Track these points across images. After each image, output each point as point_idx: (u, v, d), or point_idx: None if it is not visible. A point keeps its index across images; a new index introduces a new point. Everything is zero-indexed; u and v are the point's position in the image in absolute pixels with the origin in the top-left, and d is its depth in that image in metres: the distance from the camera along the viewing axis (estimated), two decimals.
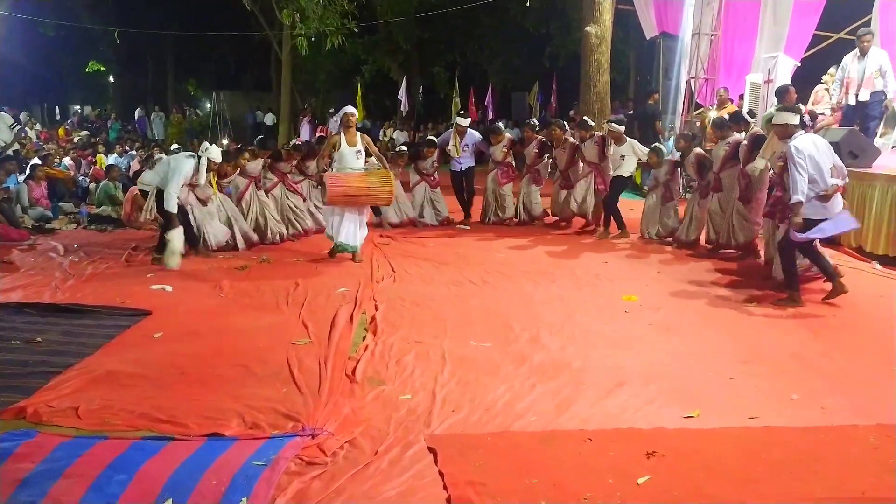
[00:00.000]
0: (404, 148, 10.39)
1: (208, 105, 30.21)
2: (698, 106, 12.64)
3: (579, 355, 4.57)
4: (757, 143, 7.13)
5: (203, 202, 7.81)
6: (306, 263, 7.33)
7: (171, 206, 6.94)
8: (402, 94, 23.04)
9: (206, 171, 7.28)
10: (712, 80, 12.52)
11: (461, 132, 9.77)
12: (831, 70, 9.42)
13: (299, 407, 3.75)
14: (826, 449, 3.32)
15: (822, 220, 5.51)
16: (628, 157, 8.63)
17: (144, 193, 7.37)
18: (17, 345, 4.71)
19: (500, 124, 10.81)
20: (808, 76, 10.86)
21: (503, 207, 9.83)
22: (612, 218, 8.86)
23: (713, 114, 11.05)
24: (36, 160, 11.86)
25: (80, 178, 13.11)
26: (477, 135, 10.12)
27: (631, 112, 15.49)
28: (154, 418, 3.59)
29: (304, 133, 20.56)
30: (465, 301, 5.92)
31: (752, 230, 7.46)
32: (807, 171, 5.42)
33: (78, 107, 35.75)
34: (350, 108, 7.37)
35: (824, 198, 5.49)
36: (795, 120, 5.84)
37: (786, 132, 5.83)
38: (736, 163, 7.49)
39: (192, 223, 7.59)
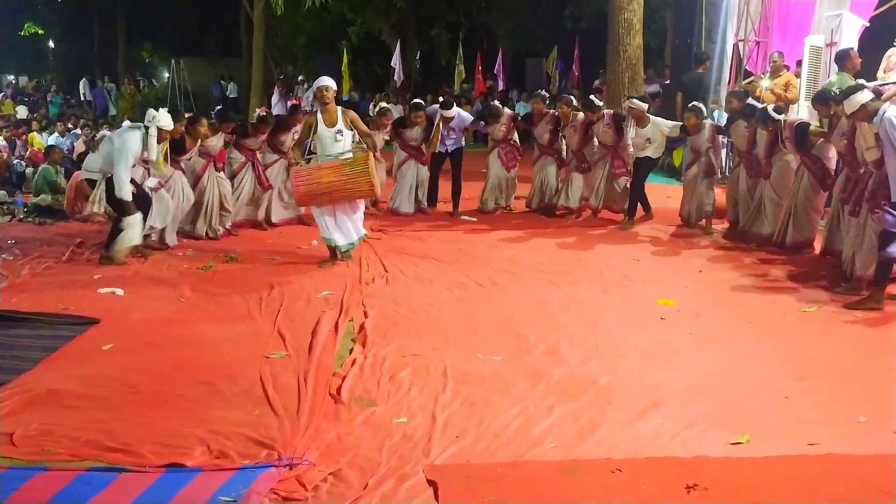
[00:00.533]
0: (385, 104, 10.37)
1: (166, 74, 30.24)
2: (748, 74, 12.60)
3: (606, 370, 4.58)
4: (801, 132, 7.31)
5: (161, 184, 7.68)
6: (282, 262, 7.34)
7: (125, 193, 6.91)
8: (395, 61, 23.01)
9: (157, 143, 7.15)
10: (764, 42, 12.46)
11: (447, 121, 9.68)
12: None
13: (274, 432, 3.75)
14: None
15: None
16: (654, 139, 8.81)
17: (91, 182, 7.29)
18: None
19: (497, 104, 10.71)
20: (877, 38, 10.80)
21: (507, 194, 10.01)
22: (637, 204, 9.06)
23: (766, 83, 11.01)
24: None
25: (15, 161, 13.12)
26: (466, 115, 10.14)
27: (668, 81, 15.46)
28: (103, 446, 3.59)
29: (276, 107, 20.58)
30: (471, 306, 5.92)
31: (814, 225, 7.56)
32: None
33: (12, 77, 35.74)
34: (324, 81, 7.12)
35: None
36: (868, 95, 5.95)
37: (867, 112, 5.92)
38: (778, 149, 7.70)
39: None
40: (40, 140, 15.20)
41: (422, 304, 5.95)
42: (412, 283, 6.62)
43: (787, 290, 6.33)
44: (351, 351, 4.94)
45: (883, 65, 9.61)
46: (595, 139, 9.39)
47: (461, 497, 3.18)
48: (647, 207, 9.30)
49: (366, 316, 5.60)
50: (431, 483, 3.30)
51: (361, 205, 7.32)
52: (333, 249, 7.18)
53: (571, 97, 10.09)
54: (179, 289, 6.33)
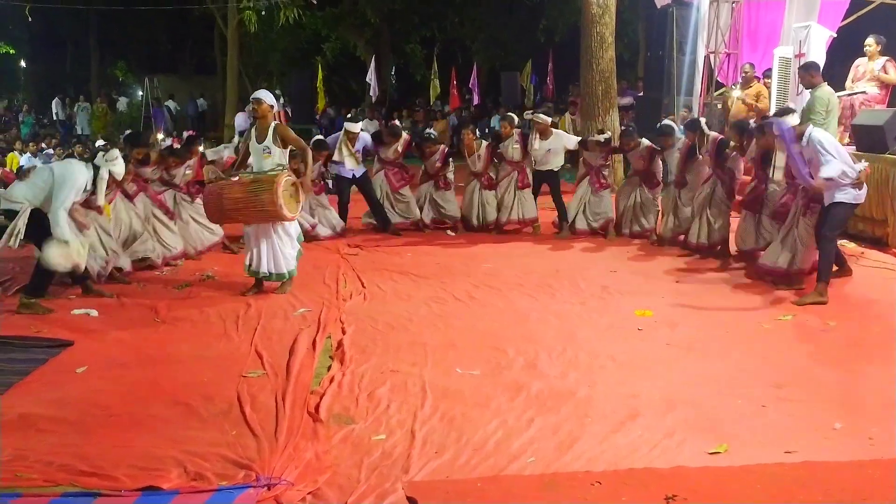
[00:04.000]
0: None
1: (140, 93, 30.08)
2: (719, 85, 12.77)
3: (584, 383, 4.59)
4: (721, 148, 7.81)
5: (82, 226, 6.74)
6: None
7: (62, 232, 6.05)
8: (370, 77, 23.08)
9: (106, 190, 6.65)
10: (735, 54, 12.65)
11: (352, 139, 9.60)
12: (869, 40, 9.52)
13: (252, 452, 3.72)
14: (875, 487, 3.35)
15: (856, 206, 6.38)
16: (555, 150, 9.33)
17: (10, 213, 6.27)
18: None
19: (397, 124, 10.74)
20: (845, 49, 10.99)
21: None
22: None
23: (737, 93, 11.17)
24: None
25: None
26: (367, 137, 10.05)
27: (641, 94, 15.63)
28: (77, 470, 3.54)
29: (240, 123, 20.48)
30: (449, 321, 5.92)
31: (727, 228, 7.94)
32: (839, 156, 6.08)
33: None
34: (258, 94, 6.68)
35: (858, 184, 6.11)
36: (796, 119, 6.54)
37: (798, 133, 6.35)
38: (693, 161, 8.22)
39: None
40: (20, 160, 15.03)
41: (400, 319, 5.94)
42: (390, 298, 6.61)
43: (762, 299, 6.39)
44: (329, 368, 4.92)
45: (851, 75, 9.77)
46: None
47: None
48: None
49: (343, 333, 5.59)
50: (411, 500, 3.29)
51: (288, 237, 6.66)
52: (257, 278, 6.73)
53: (514, 116, 10.39)
54: (155, 308, 6.28)
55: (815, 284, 6.26)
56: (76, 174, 6.28)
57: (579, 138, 9.78)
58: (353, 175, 9.71)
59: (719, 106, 11.99)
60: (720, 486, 3.36)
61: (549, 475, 3.49)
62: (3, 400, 4.42)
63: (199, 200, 8.16)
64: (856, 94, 9.46)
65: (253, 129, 6.72)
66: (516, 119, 10.35)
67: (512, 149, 9.51)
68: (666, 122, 9.62)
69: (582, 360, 4.99)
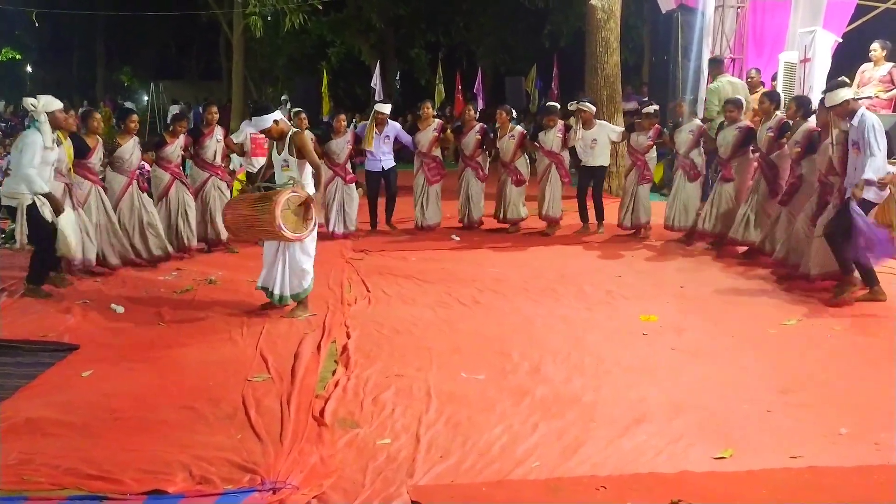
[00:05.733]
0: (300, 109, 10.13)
1: (146, 98, 30.19)
2: None
3: (589, 387, 4.59)
4: (783, 130, 7.55)
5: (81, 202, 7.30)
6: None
7: (38, 185, 6.47)
8: (375, 81, 23.06)
9: (53, 131, 6.67)
10: (739, 59, 12.63)
11: (381, 121, 9.68)
12: (875, 45, 9.53)
13: (257, 456, 3.73)
14: (881, 492, 3.35)
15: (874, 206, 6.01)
16: (601, 142, 9.41)
17: (11, 210, 6.74)
18: None
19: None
20: (851, 54, 10.98)
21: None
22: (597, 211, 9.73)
23: None
24: None
25: None
26: (399, 126, 10.17)
27: (646, 99, 15.62)
28: (83, 474, 3.55)
29: (245, 128, 20.51)
30: (454, 326, 5.92)
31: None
32: (885, 149, 5.84)
33: None
34: (258, 122, 6.16)
35: (883, 185, 5.89)
36: (851, 93, 6.21)
37: (846, 110, 6.11)
38: (746, 150, 8.13)
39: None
40: None
41: (405, 324, 5.94)
42: (395, 303, 6.61)
43: (767, 303, 6.38)
44: (334, 372, 4.93)
45: (857, 80, 9.76)
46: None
47: None
48: (584, 219, 9.74)
49: (348, 337, 5.59)
50: None
51: (307, 256, 6.18)
52: (269, 296, 6.28)
53: (510, 107, 10.39)
54: (160, 312, 6.29)
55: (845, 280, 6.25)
56: (28, 136, 6.62)
57: (622, 128, 9.78)
58: (382, 168, 9.81)
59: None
60: (726, 491, 3.36)
61: (555, 480, 3.49)
62: (9, 403, 4.43)
63: None
64: (861, 99, 9.44)
65: (275, 141, 6.28)
66: (558, 107, 10.23)
67: (554, 138, 9.45)
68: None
69: (587, 364, 4.99)
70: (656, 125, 9.26)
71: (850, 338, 5.50)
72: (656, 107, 9.45)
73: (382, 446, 3.86)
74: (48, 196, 6.57)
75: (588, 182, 9.72)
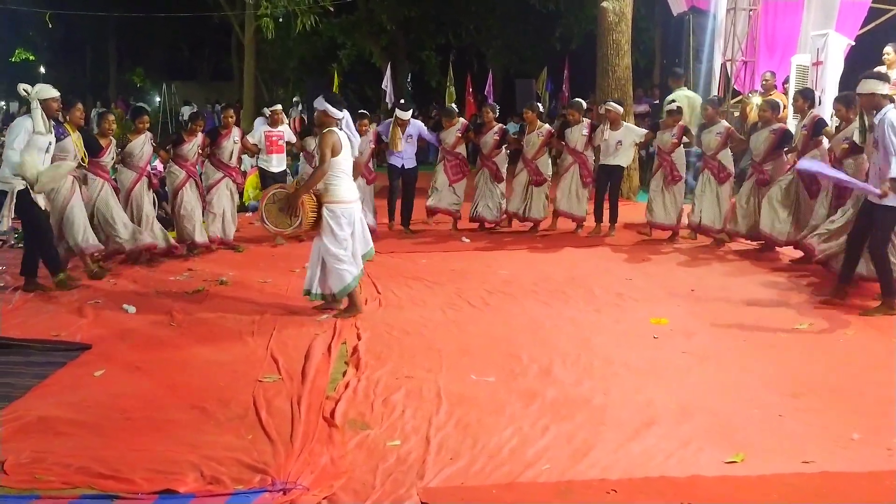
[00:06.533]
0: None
1: (158, 98, 30.34)
2: (736, 93, 12.72)
3: (599, 390, 4.58)
4: (818, 129, 7.57)
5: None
6: (275, 286, 7.33)
7: (15, 163, 6.51)
8: (386, 83, 23.13)
9: (48, 120, 6.73)
10: (751, 62, 12.60)
11: (402, 125, 9.81)
12: (888, 49, 9.48)
13: (268, 457, 3.74)
14: (894, 498, 3.32)
15: None
16: (625, 143, 9.40)
17: (4, 196, 6.75)
18: None
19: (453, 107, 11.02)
20: (864, 57, 10.92)
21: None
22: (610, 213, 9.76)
23: (757, 100, 11.13)
24: None
25: None
26: (422, 125, 10.31)
27: (657, 101, 15.60)
28: (94, 473, 3.56)
29: (258, 128, 20.63)
30: (464, 327, 5.92)
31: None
32: None
33: (3, 102, 35.79)
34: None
35: None
36: (885, 89, 6.01)
37: (873, 103, 6.01)
38: (780, 152, 8.13)
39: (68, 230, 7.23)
40: None
41: (415, 325, 5.95)
42: (405, 304, 6.62)
43: (778, 307, 6.36)
44: (344, 374, 4.93)
45: None
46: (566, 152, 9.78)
47: None
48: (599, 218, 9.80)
49: (359, 338, 5.60)
50: None
51: (329, 259, 6.08)
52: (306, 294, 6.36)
53: (538, 104, 10.52)
54: (171, 313, 6.32)
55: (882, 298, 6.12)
56: (19, 121, 6.78)
57: (645, 130, 9.79)
58: (403, 166, 9.91)
59: (736, 114, 11.94)
60: (736, 496, 3.35)
61: (565, 483, 3.48)
62: (22, 402, 4.46)
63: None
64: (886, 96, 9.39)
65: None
66: (584, 104, 10.24)
67: (579, 136, 9.49)
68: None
69: (597, 367, 4.98)
70: (680, 122, 9.22)
71: (862, 343, 5.47)
72: (679, 104, 9.44)
73: (392, 448, 3.86)
74: (24, 177, 6.56)
75: (606, 181, 9.68)
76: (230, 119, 9.02)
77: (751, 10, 12.55)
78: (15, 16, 24.87)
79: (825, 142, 7.61)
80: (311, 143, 9.49)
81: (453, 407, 4.33)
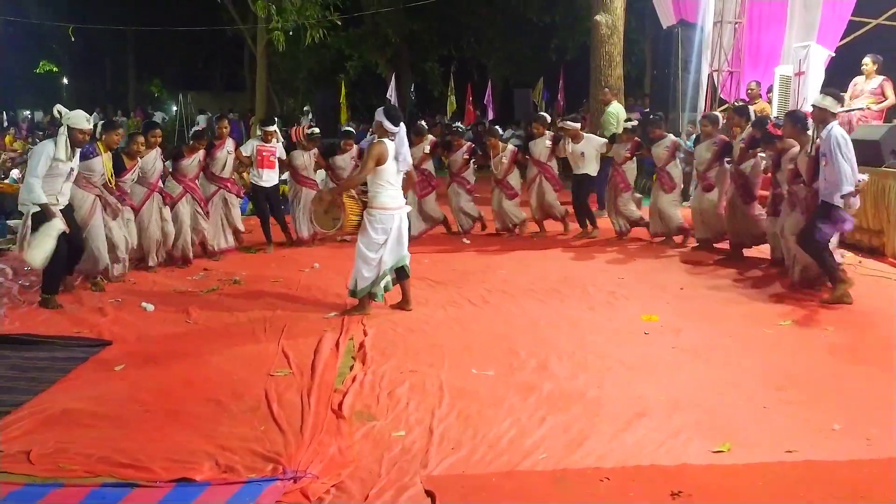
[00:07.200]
0: (317, 130, 9.91)
1: (174, 108, 30.38)
2: (722, 102, 12.72)
3: (593, 384, 4.58)
4: (753, 144, 7.70)
5: (114, 214, 7.18)
6: (286, 285, 7.34)
7: (36, 195, 6.18)
8: (391, 93, 23.17)
9: (72, 147, 6.40)
10: (737, 73, 12.63)
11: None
12: (866, 59, 9.49)
13: (279, 447, 3.75)
14: (872, 485, 3.32)
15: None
16: (588, 154, 9.47)
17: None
18: None
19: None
20: (844, 67, 10.94)
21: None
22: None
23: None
24: None
25: None
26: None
27: (647, 110, 15.61)
28: (115, 462, 3.57)
29: (250, 145, 20.66)
30: (465, 325, 5.93)
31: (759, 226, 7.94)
32: (852, 160, 5.90)
33: (28, 112, 35.88)
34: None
35: (854, 193, 5.99)
36: (836, 108, 6.25)
37: (822, 117, 6.17)
38: (723, 162, 8.27)
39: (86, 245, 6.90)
40: None
41: (418, 323, 5.95)
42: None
43: (763, 305, 6.35)
44: (351, 368, 4.94)
45: (849, 92, 9.72)
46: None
47: None
48: (594, 222, 9.86)
49: (365, 335, 5.60)
50: (429, 493, 3.29)
51: (357, 260, 6.08)
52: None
53: (498, 129, 10.60)
54: (187, 311, 6.32)
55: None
56: (42, 146, 6.48)
57: (605, 140, 9.80)
58: None
59: (723, 121, 11.92)
60: (723, 484, 3.34)
61: (560, 471, 3.49)
62: (46, 395, 4.47)
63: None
64: (853, 110, 9.42)
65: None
66: (549, 119, 10.42)
67: (542, 148, 9.62)
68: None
69: (591, 362, 4.98)
70: (635, 138, 9.30)
71: (843, 338, 5.46)
72: (634, 123, 9.58)
73: (397, 438, 3.86)
74: (43, 206, 6.21)
75: (578, 190, 9.80)
76: (224, 130, 8.81)
77: (736, 22, 12.58)
78: (39, 30, 24.96)
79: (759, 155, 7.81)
80: (299, 158, 9.42)
81: (455, 399, 4.33)
